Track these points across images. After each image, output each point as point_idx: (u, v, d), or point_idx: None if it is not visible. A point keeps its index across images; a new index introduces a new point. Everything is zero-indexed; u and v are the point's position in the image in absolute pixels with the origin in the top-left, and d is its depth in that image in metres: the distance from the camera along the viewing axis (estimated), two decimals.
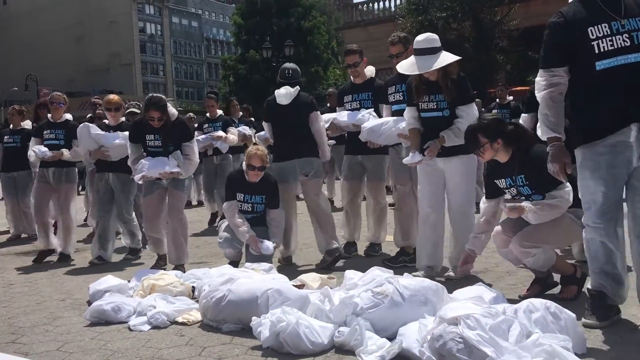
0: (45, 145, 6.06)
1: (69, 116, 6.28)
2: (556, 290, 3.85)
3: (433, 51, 4.29)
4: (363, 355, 2.84)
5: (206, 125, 8.16)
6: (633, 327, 3.15)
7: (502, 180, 3.77)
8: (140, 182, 5.16)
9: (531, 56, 27.71)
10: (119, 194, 5.93)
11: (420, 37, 4.39)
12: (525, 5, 20.86)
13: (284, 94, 5.17)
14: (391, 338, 2.98)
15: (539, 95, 3.19)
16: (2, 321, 3.94)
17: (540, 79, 3.18)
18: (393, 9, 26.56)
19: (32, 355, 3.23)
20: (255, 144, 5.30)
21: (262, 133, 7.15)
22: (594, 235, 3.14)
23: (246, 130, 8.42)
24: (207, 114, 8.30)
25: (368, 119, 5.06)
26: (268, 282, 3.60)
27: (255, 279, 3.74)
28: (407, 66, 4.37)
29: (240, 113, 9.51)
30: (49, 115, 6.31)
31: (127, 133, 5.59)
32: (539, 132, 3.30)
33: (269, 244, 4.85)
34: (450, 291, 3.48)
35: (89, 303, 4.00)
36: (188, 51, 68.40)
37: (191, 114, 12.32)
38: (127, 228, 6.15)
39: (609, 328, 3.13)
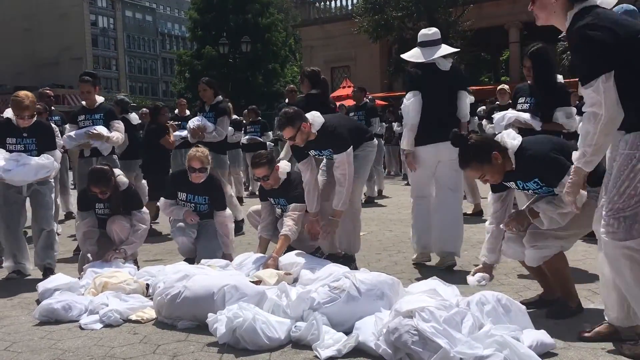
0: None
1: None
2: (523, 290, 3.95)
3: (435, 43, 4.77)
4: (320, 350, 2.86)
5: (82, 117, 6.03)
6: (581, 316, 3.27)
7: (511, 183, 3.44)
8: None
9: (484, 57, 28.41)
10: (42, 197, 4.98)
11: (423, 31, 4.85)
12: (478, 6, 21.33)
13: (135, 118, 8.05)
14: (348, 332, 3.01)
15: None
16: None
17: None
18: (350, 7, 26.72)
19: None
20: (197, 145, 5.00)
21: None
22: None
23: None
24: (83, 103, 6.15)
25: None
26: (225, 278, 3.57)
27: (212, 275, 3.71)
28: (411, 54, 4.82)
29: (188, 112, 9.30)
30: None
31: (46, 159, 4.80)
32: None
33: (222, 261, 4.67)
34: (405, 285, 3.54)
35: (38, 302, 3.88)
36: (142, 46, 67.09)
37: (145, 109, 12.05)
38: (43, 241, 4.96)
39: (557, 319, 3.25)
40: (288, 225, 4.57)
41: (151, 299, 3.79)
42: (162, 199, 5.06)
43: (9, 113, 4.95)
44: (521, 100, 4.74)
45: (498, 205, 3.56)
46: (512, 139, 3.30)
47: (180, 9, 68.03)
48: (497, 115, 4.98)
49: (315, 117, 4.49)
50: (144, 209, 4.99)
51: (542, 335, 2.82)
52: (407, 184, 12.50)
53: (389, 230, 6.73)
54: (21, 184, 4.87)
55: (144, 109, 11.75)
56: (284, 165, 4.96)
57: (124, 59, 64.27)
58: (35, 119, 4.95)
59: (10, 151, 4.82)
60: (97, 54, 61.05)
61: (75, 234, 5.15)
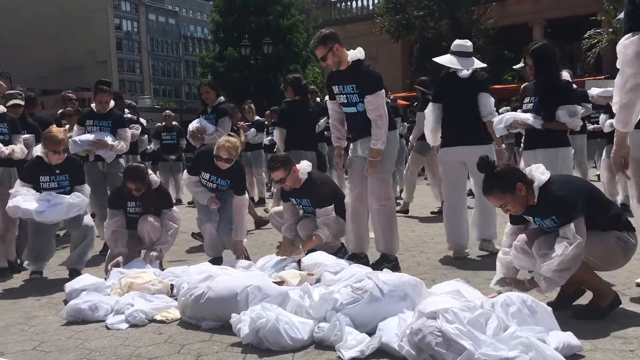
0: None
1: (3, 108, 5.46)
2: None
3: (470, 55, 5.15)
4: (343, 351, 2.85)
5: (90, 122, 6.09)
6: (610, 317, 3.21)
7: (530, 217, 3.42)
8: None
9: (507, 55, 28.08)
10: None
11: (459, 41, 5.18)
12: (501, 4, 21.12)
13: (143, 122, 8.48)
14: (371, 333, 3.01)
15: None
16: None
17: None
18: (371, 7, 26.68)
19: (8, 355, 3.18)
20: (230, 135, 5.31)
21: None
22: None
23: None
24: (93, 106, 6.18)
25: None
26: (248, 278, 3.60)
27: (235, 275, 3.74)
28: (446, 60, 5.10)
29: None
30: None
31: (77, 198, 4.88)
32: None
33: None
34: (428, 286, 3.52)
35: (65, 302, 3.95)
36: (165, 49, 67.84)
37: (168, 111, 12.21)
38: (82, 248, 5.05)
39: (585, 319, 3.19)
40: (323, 230, 4.74)
41: (175, 299, 3.83)
42: (185, 174, 5.27)
43: (38, 151, 5.05)
44: (526, 100, 4.68)
45: (514, 238, 3.47)
46: (540, 174, 3.30)
47: (203, 11, 68.59)
48: (495, 118, 4.89)
49: (357, 51, 4.67)
50: (174, 208, 5.10)
51: (569, 337, 2.78)
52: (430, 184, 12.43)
53: (411, 230, 6.69)
54: (53, 222, 4.98)
55: (167, 112, 11.92)
56: (304, 166, 4.99)
57: (148, 61, 65.03)
58: (66, 154, 5.07)
59: (44, 189, 4.92)
60: (122, 57, 61.89)
61: (101, 234, 5.22)
